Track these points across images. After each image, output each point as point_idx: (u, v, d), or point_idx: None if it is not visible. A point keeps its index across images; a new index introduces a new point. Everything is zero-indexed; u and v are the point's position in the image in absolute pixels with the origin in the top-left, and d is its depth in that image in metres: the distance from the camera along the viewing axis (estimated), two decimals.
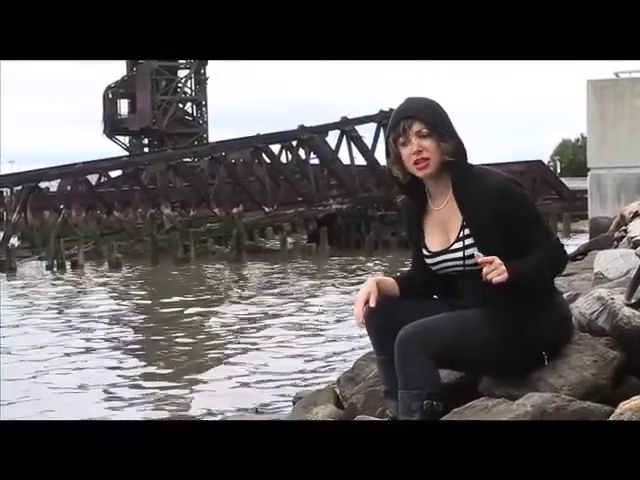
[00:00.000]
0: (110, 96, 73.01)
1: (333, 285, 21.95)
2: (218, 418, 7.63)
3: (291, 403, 6.09)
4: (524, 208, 3.51)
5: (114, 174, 40.79)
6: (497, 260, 3.36)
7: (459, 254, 3.53)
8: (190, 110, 74.53)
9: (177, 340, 13.45)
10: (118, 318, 16.65)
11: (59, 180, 39.78)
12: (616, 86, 14.66)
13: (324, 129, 39.88)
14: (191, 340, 13.44)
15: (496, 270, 3.35)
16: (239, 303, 18.53)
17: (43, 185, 40.03)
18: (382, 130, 36.03)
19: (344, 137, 39.69)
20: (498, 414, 3.28)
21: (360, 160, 40.62)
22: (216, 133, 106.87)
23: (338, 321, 14.88)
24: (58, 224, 35.71)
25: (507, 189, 3.49)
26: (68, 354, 12.31)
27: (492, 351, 3.44)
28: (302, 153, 40.02)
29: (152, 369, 11.19)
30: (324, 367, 10.71)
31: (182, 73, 74.35)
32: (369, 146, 40.16)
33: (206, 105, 74.48)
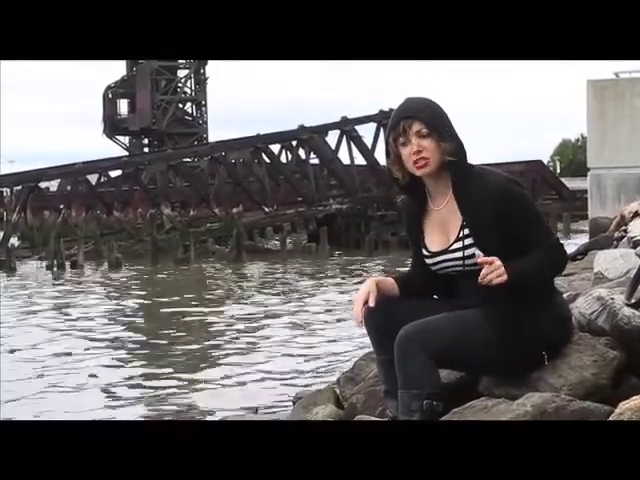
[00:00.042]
0: (110, 96, 73.04)
1: (333, 285, 21.95)
2: (218, 418, 7.62)
3: (291, 403, 6.09)
4: (524, 208, 3.51)
5: (114, 174, 40.84)
6: (497, 261, 3.36)
7: (459, 254, 3.53)
8: (190, 110, 74.58)
9: (177, 340, 13.45)
10: (118, 318, 16.65)
11: (59, 180, 39.81)
12: (616, 86, 14.66)
13: (324, 129, 39.91)
14: (191, 340, 13.44)
15: (495, 271, 3.35)
16: (239, 303, 18.53)
17: (43, 185, 40.07)
18: (382, 130, 36.05)
19: (344, 137, 39.72)
20: (498, 414, 3.28)
21: (360, 160, 40.68)
22: (216, 133, 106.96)
23: (338, 321, 14.88)
24: (58, 224, 35.71)
25: (507, 189, 3.49)
26: (68, 354, 12.31)
27: (492, 351, 3.44)
28: (302, 153, 40.04)
29: (152, 369, 11.18)
30: (324, 367, 10.71)
31: (182, 73, 74.44)
32: (369, 146, 40.20)
33: (206, 105, 74.54)
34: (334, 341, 12.76)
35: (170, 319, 16.18)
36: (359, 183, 39.20)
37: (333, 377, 7.18)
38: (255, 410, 7.54)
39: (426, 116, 3.49)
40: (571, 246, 8.89)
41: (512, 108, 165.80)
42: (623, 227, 6.83)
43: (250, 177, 39.98)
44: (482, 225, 3.48)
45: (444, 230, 3.58)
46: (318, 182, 39.38)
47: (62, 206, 38.98)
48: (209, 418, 7.95)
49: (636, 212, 6.86)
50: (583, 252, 7.87)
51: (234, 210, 36.42)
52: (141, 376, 10.69)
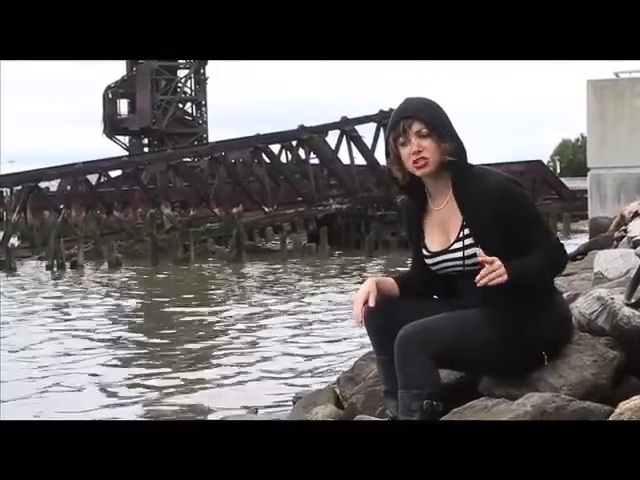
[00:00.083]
0: (110, 96, 73.02)
1: (333, 285, 21.94)
2: (218, 418, 7.62)
3: (291, 403, 6.09)
4: (524, 208, 3.51)
5: (114, 174, 40.85)
6: (497, 262, 3.36)
7: (459, 254, 3.53)
8: (190, 110, 74.56)
9: (177, 340, 13.45)
10: (118, 318, 16.65)
11: (59, 180, 39.80)
12: (616, 86, 14.65)
13: (324, 129, 39.92)
14: (191, 339, 13.44)
15: (495, 272, 3.35)
16: (238, 303, 18.54)
17: (43, 185, 40.08)
18: (382, 130, 36.05)
19: (344, 137, 39.73)
20: (498, 414, 3.28)
21: (360, 160, 40.68)
22: (216, 133, 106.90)
23: (338, 321, 14.88)
24: (58, 224, 35.71)
25: (507, 189, 3.49)
26: (68, 354, 12.31)
27: (492, 351, 3.44)
28: (302, 153, 40.05)
29: (152, 369, 11.18)
30: (324, 367, 10.71)
31: (182, 73, 74.42)
32: (369, 146, 40.19)
33: (206, 105, 74.51)
34: (334, 341, 12.76)
35: (170, 319, 16.18)
36: (359, 183, 39.20)
37: (333, 377, 7.18)
38: (255, 410, 7.53)
39: (426, 116, 3.49)
40: (571, 246, 8.89)
41: (512, 108, 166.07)
42: (623, 227, 6.83)
43: (250, 177, 39.99)
44: (482, 225, 3.48)
45: (444, 230, 3.58)
46: (318, 182, 39.39)
47: (62, 206, 38.98)
48: (209, 418, 7.95)
49: (636, 212, 6.86)
50: (583, 252, 7.87)
51: (234, 210, 36.41)
52: (141, 376, 10.69)
